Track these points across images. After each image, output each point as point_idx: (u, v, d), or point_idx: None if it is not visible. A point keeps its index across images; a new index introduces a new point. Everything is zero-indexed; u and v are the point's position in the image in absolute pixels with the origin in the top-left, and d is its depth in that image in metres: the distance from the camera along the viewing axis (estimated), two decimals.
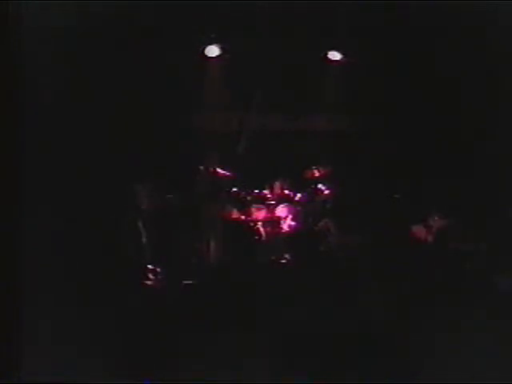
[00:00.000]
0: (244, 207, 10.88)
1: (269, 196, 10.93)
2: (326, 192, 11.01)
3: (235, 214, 10.80)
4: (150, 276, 9.70)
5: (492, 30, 9.54)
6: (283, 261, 10.45)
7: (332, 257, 10.38)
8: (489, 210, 9.80)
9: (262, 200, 10.94)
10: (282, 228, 10.77)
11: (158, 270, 9.73)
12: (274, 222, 10.78)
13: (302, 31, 10.89)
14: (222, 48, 11.46)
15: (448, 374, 7.17)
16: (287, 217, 10.81)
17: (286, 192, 10.96)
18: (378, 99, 11.21)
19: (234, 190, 10.90)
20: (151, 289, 9.49)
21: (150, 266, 9.77)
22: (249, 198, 10.98)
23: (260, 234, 10.73)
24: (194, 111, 11.68)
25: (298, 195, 10.98)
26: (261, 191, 11.01)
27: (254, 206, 10.90)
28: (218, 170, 10.77)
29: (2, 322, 7.20)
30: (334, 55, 11.70)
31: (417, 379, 7.14)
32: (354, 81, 11.48)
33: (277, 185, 10.96)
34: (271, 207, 10.86)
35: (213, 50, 11.49)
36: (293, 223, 10.79)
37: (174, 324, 7.94)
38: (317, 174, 11.13)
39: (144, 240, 10.00)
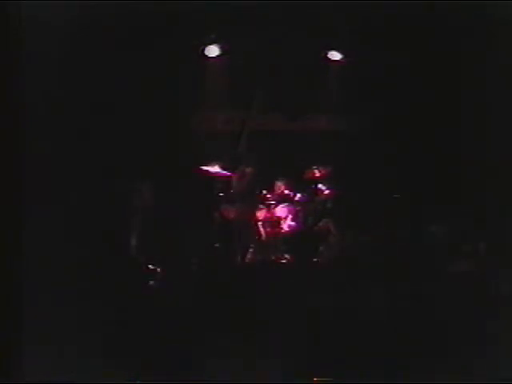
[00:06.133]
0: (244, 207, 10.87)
1: (269, 196, 10.92)
2: (326, 192, 11.00)
3: (235, 214, 10.78)
4: (151, 276, 9.70)
5: (493, 30, 9.54)
6: (283, 261, 10.45)
7: (332, 257, 10.38)
8: (488, 210, 9.80)
9: (262, 200, 10.93)
10: (282, 228, 10.77)
11: (159, 269, 9.74)
12: (273, 222, 10.78)
13: (302, 31, 10.89)
14: (221, 48, 11.46)
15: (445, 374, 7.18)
16: (287, 217, 10.80)
17: (286, 192, 10.95)
18: (378, 99, 11.20)
19: (234, 189, 10.89)
20: (152, 289, 9.49)
21: (150, 266, 9.77)
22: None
23: (260, 234, 10.73)
24: (194, 111, 11.68)
25: (298, 195, 10.97)
26: (261, 191, 11.00)
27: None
28: (218, 170, 10.78)
29: (2, 321, 7.20)
30: (334, 55, 11.69)
31: (415, 378, 7.15)
32: (353, 81, 11.47)
33: (277, 185, 10.95)
34: (271, 207, 10.85)
35: (213, 50, 11.49)
36: (293, 223, 10.79)
37: (174, 324, 7.94)
38: (317, 173, 11.11)
39: (143, 240, 10.01)
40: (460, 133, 10.61)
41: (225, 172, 10.87)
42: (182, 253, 10.10)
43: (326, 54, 11.69)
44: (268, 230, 10.76)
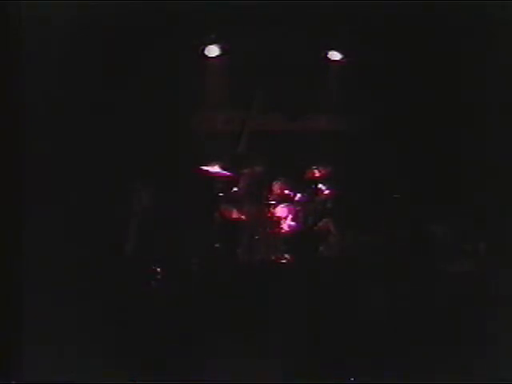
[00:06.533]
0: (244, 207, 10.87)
1: (269, 196, 10.91)
2: (326, 192, 11.00)
3: (235, 214, 10.79)
4: (151, 276, 9.71)
5: (493, 30, 9.54)
6: (283, 261, 10.46)
7: (332, 257, 10.39)
8: (488, 210, 9.80)
9: (262, 200, 10.92)
10: (282, 228, 10.76)
11: (159, 270, 9.74)
12: (274, 222, 10.77)
13: (302, 31, 10.89)
14: (221, 48, 11.47)
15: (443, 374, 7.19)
16: (287, 217, 10.80)
17: (286, 192, 10.95)
18: (378, 99, 11.20)
19: (234, 189, 10.90)
20: (152, 289, 9.49)
21: (150, 266, 9.77)
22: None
23: (260, 234, 10.72)
24: (194, 111, 11.68)
25: (298, 195, 10.97)
26: (261, 191, 10.99)
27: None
28: (218, 170, 10.79)
29: (2, 321, 7.20)
30: (334, 55, 11.70)
31: (415, 378, 7.15)
32: (354, 81, 11.47)
33: (277, 185, 10.95)
34: (271, 207, 10.85)
35: (213, 50, 11.50)
36: (293, 223, 10.79)
37: (174, 324, 7.94)
38: (317, 173, 11.11)
39: (143, 240, 10.01)
40: (460, 133, 10.61)
41: (225, 172, 10.87)
42: (182, 253, 10.10)
43: (326, 54, 11.69)
44: (268, 229, 10.75)
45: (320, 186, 11.05)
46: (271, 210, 10.82)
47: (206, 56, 11.52)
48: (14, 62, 7.65)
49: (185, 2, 9.96)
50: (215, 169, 10.87)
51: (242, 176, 10.89)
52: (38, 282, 7.83)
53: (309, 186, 11.10)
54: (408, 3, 9.57)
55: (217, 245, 10.56)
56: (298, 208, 10.87)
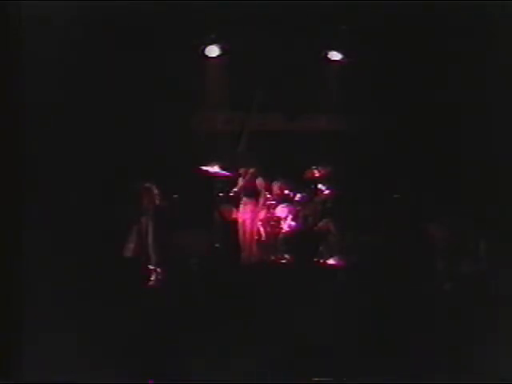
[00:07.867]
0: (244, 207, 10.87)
1: (269, 196, 10.92)
2: (326, 192, 11.01)
3: (235, 214, 10.80)
4: (151, 276, 9.72)
5: (493, 30, 9.54)
6: (283, 261, 10.46)
7: (332, 257, 10.39)
8: (488, 210, 9.81)
9: (261, 200, 10.93)
10: (282, 228, 10.77)
11: (159, 270, 9.75)
12: (274, 222, 10.78)
13: (301, 31, 10.89)
14: (221, 48, 11.47)
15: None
16: (287, 217, 10.80)
17: (286, 192, 10.95)
18: (378, 99, 11.21)
19: (234, 189, 10.90)
20: (152, 289, 9.50)
21: (150, 266, 9.78)
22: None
23: (260, 234, 10.73)
24: (194, 111, 11.69)
25: (298, 195, 10.97)
26: (261, 191, 10.99)
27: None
28: (218, 170, 10.80)
29: (2, 321, 7.20)
30: (334, 55, 11.70)
31: (415, 379, 7.16)
32: (354, 81, 11.48)
33: (277, 185, 10.95)
34: (271, 207, 10.85)
35: (213, 50, 11.50)
36: (293, 223, 10.79)
37: (174, 324, 7.94)
38: (317, 174, 11.12)
39: (145, 240, 10.01)
40: (460, 133, 10.61)
41: (225, 172, 10.87)
42: (182, 253, 10.11)
43: (326, 53, 11.70)
44: (268, 229, 10.76)
45: (320, 186, 11.05)
46: (271, 210, 10.83)
47: (206, 56, 11.53)
48: (14, 62, 7.65)
49: (185, 2, 9.96)
50: (215, 169, 10.87)
51: (242, 176, 10.89)
52: (37, 281, 7.82)
53: (309, 186, 11.11)
54: (408, 3, 9.57)
55: (217, 245, 10.57)
56: (298, 208, 10.88)
